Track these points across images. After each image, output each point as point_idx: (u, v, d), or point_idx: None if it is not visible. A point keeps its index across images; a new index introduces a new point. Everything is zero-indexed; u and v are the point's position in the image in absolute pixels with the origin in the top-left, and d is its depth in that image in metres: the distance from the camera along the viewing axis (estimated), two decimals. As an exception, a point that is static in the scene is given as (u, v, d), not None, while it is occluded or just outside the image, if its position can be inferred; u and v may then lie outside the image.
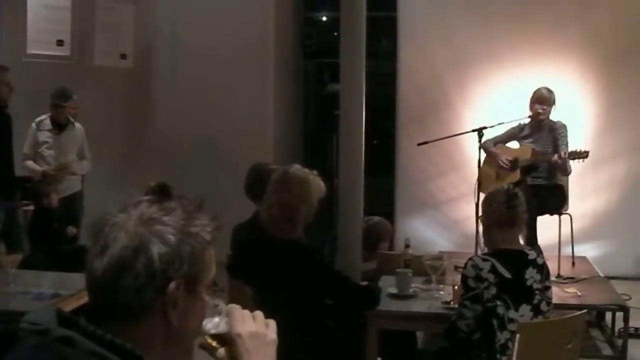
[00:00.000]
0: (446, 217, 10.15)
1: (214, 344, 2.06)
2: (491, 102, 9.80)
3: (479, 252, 6.47)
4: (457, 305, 4.69)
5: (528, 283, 4.50)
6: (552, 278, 7.53)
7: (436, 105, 10.05)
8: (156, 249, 1.81)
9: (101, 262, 1.81)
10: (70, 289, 4.91)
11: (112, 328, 1.81)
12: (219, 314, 2.06)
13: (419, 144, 8.31)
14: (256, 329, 2.07)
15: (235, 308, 2.07)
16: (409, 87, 10.17)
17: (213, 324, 2.05)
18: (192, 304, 1.90)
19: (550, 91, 8.38)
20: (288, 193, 4.70)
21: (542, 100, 8.32)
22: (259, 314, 2.11)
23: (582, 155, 8.05)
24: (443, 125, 9.44)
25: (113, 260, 1.80)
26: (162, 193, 1.92)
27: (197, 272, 1.88)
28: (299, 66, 10.24)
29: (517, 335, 2.86)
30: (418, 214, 10.22)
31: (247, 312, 2.08)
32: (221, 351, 2.05)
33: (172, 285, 1.82)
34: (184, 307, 1.86)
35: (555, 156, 8.04)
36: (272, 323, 2.12)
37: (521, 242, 4.89)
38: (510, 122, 8.46)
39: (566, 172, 8.28)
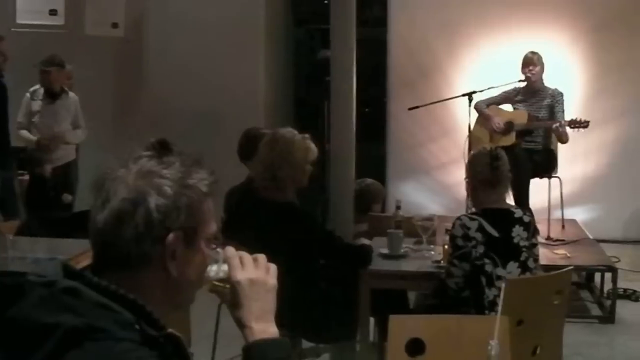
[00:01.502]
0: (437, 182, 10.23)
1: (220, 286, 2.09)
2: (481, 66, 9.87)
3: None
4: (446, 264, 4.78)
5: (515, 241, 4.57)
6: (542, 240, 7.70)
7: (427, 71, 10.10)
8: (154, 200, 1.87)
9: (102, 215, 1.87)
10: (66, 254, 4.96)
11: (114, 279, 1.87)
12: (217, 261, 2.09)
13: (410, 109, 8.40)
14: (255, 275, 2.07)
15: (234, 255, 2.08)
16: (399, 54, 10.22)
17: (214, 271, 2.09)
18: (192, 256, 1.95)
19: (533, 52, 8.50)
20: (272, 152, 4.84)
21: (528, 62, 8.45)
22: (261, 257, 2.12)
23: (582, 124, 8.16)
24: (434, 91, 9.49)
25: (113, 212, 1.86)
26: (162, 148, 1.98)
27: (196, 224, 1.94)
28: (289, 33, 10.27)
29: (502, 288, 2.94)
30: (409, 179, 10.30)
31: (247, 257, 2.09)
32: (228, 291, 2.08)
33: (171, 236, 1.88)
34: (183, 258, 1.92)
35: (556, 124, 8.13)
36: (273, 268, 2.12)
37: (509, 201, 4.97)
38: (500, 86, 8.55)
39: (564, 139, 8.36)
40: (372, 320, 5.35)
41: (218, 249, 2.11)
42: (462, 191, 8.54)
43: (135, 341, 1.78)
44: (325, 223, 5.74)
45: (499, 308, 2.80)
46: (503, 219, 4.62)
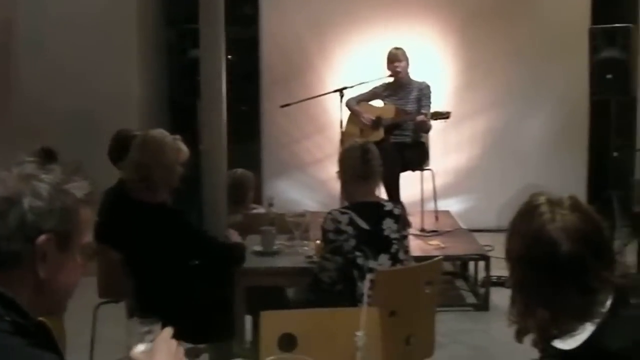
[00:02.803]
0: (312, 178, 10.27)
1: None
2: (352, 63, 9.95)
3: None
4: (319, 259, 4.82)
5: (385, 233, 4.64)
6: (416, 232, 7.81)
7: (299, 69, 10.14)
8: (28, 202, 1.93)
9: None
10: None
11: None
12: (148, 341, 2.29)
13: (282, 106, 8.41)
14: None
15: (162, 344, 2.25)
16: (271, 52, 10.23)
17: (139, 348, 2.28)
18: (63, 261, 1.99)
19: (397, 48, 8.62)
20: (143, 153, 4.82)
21: (392, 58, 8.55)
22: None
23: (444, 115, 8.31)
24: (306, 88, 9.52)
25: None
26: (46, 156, 2.01)
27: (69, 230, 1.99)
28: (161, 33, 10.19)
29: (366, 280, 2.98)
30: (284, 176, 10.32)
31: (172, 350, 2.25)
32: None
33: (42, 237, 1.93)
34: (54, 262, 1.96)
35: (420, 117, 8.26)
36: None
37: (383, 195, 5.04)
38: (371, 81, 8.65)
39: (426, 130, 8.53)
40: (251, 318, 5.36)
41: (152, 329, 2.31)
42: (336, 187, 8.60)
43: (5, 331, 1.82)
44: (201, 224, 5.72)
45: (364, 299, 2.83)
46: (373, 212, 4.68)
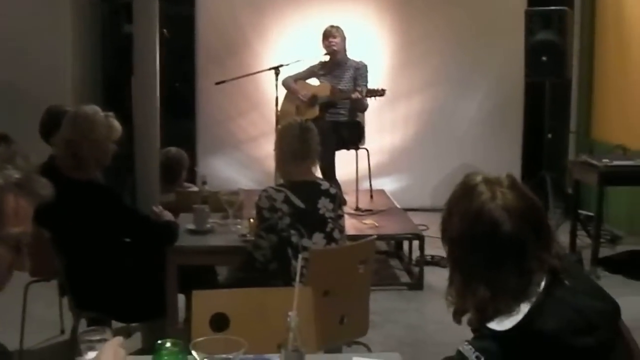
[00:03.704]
0: (247, 156, 10.23)
1: None
2: (288, 40, 9.90)
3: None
4: (253, 237, 4.79)
5: (321, 212, 4.62)
6: (351, 211, 7.81)
7: (235, 46, 10.07)
8: None
9: None
10: None
11: None
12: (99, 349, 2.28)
13: (217, 83, 8.38)
14: None
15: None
16: (207, 29, 10.13)
17: (89, 356, 2.33)
18: None
19: (333, 26, 8.64)
20: (72, 129, 4.76)
21: (328, 35, 8.55)
22: None
23: (379, 93, 8.31)
24: (242, 66, 9.48)
25: None
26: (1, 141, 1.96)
27: None
28: (96, 8, 10.05)
29: (299, 259, 2.95)
30: (220, 153, 10.25)
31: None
32: None
33: None
34: None
35: (355, 94, 8.26)
36: None
37: (317, 174, 5.00)
38: (307, 59, 8.62)
39: (363, 108, 8.53)
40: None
41: (105, 337, 2.35)
42: (271, 164, 8.57)
43: None
44: (133, 202, 5.65)
45: (297, 279, 2.80)
46: (309, 190, 4.66)
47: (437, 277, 7.57)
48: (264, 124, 9.67)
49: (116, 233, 4.80)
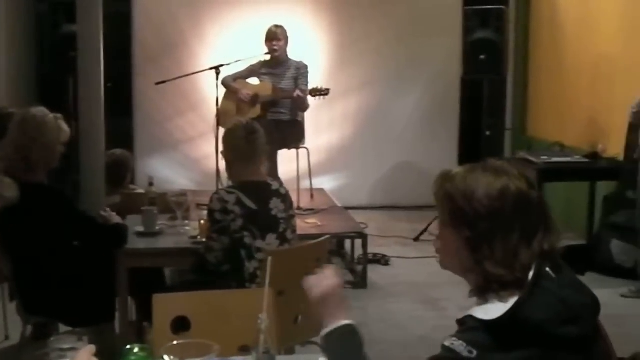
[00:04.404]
0: (186, 157, 10.18)
1: None
2: (227, 40, 9.86)
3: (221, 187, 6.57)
4: (204, 240, 4.75)
5: (273, 213, 4.61)
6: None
7: (172, 45, 10.00)
8: None
9: None
10: None
11: None
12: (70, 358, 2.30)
13: (157, 83, 8.32)
14: None
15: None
16: (144, 28, 10.05)
17: None
18: None
19: (277, 26, 8.62)
20: (23, 132, 4.71)
21: (272, 36, 8.54)
22: None
23: (323, 92, 8.35)
24: (180, 65, 9.44)
25: None
26: None
27: None
28: (31, 7, 9.92)
29: (269, 261, 2.94)
30: (157, 154, 10.17)
31: None
32: None
33: None
34: None
35: (297, 92, 8.28)
36: None
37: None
38: (247, 59, 8.61)
39: (304, 108, 8.56)
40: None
41: (77, 347, 2.32)
42: (211, 165, 8.56)
43: None
44: (77, 203, 5.58)
45: (267, 281, 2.79)
46: (260, 191, 4.64)
47: (380, 275, 7.63)
48: (202, 125, 9.63)
49: (66, 236, 4.74)
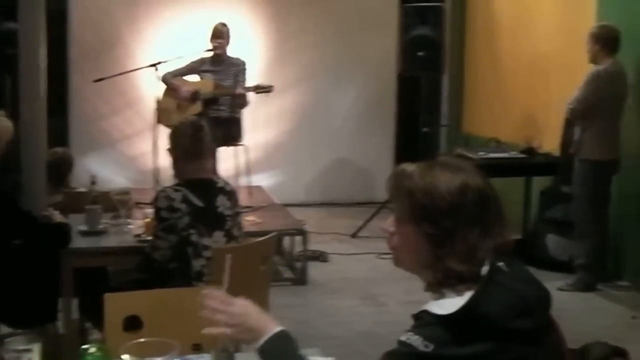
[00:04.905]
0: (122, 155, 10.07)
1: None
2: (165, 37, 9.79)
3: (158, 186, 6.55)
4: (149, 238, 4.73)
5: (219, 210, 4.61)
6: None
7: (109, 42, 9.89)
8: None
9: None
10: None
11: None
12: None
13: (95, 81, 8.25)
14: None
15: None
16: (81, 25, 9.91)
17: None
18: None
19: (223, 25, 8.64)
20: None
21: (217, 34, 8.57)
22: None
23: (266, 89, 8.39)
24: (116, 63, 9.37)
25: None
26: None
27: None
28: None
29: (228, 259, 2.94)
30: (94, 152, 10.02)
31: None
32: None
33: None
34: None
35: (239, 89, 8.31)
36: None
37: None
38: (187, 56, 8.60)
39: (244, 104, 8.59)
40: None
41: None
42: (147, 163, 8.52)
43: None
44: (19, 202, 5.51)
45: (226, 278, 2.80)
46: (207, 189, 4.64)
47: (320, 272, 7.67)
48: (139, 123, 9.58)
49: (8, 236, 4.68)
